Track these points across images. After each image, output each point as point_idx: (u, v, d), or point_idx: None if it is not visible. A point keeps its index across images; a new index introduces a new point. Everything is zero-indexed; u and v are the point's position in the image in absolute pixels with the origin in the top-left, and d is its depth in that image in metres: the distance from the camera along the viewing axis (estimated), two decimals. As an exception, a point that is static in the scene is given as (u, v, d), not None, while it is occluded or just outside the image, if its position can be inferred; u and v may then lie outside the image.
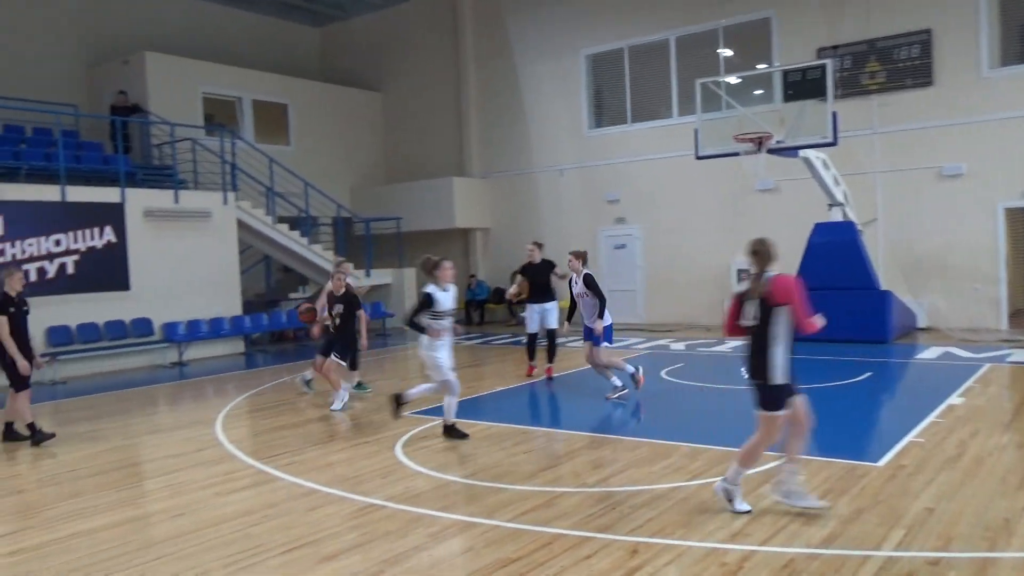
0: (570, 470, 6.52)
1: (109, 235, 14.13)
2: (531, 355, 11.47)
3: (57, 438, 8.41)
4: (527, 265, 11.42)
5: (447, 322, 7.59)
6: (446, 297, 7.58)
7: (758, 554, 4.58)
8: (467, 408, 9.26)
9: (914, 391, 10.14)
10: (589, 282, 9.36)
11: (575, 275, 9.51)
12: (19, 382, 8.18)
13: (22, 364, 8.08)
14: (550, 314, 11.31)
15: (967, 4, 14.60)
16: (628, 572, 4.40)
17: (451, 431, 7.70)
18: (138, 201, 14.63)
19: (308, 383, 10.56)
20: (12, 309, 8.10)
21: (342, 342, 9.65)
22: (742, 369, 5.38)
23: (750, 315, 5.13)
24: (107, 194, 14.28)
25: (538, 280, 11.24)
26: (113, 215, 14.22)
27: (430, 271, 7.62)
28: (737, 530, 4.96)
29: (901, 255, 14.98)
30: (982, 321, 14.35)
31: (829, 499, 5.42)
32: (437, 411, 9.10)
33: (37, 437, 8.23)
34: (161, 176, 16.22)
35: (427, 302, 7.46)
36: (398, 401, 7.81)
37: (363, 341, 9.81)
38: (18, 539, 5.39)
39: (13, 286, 8.18)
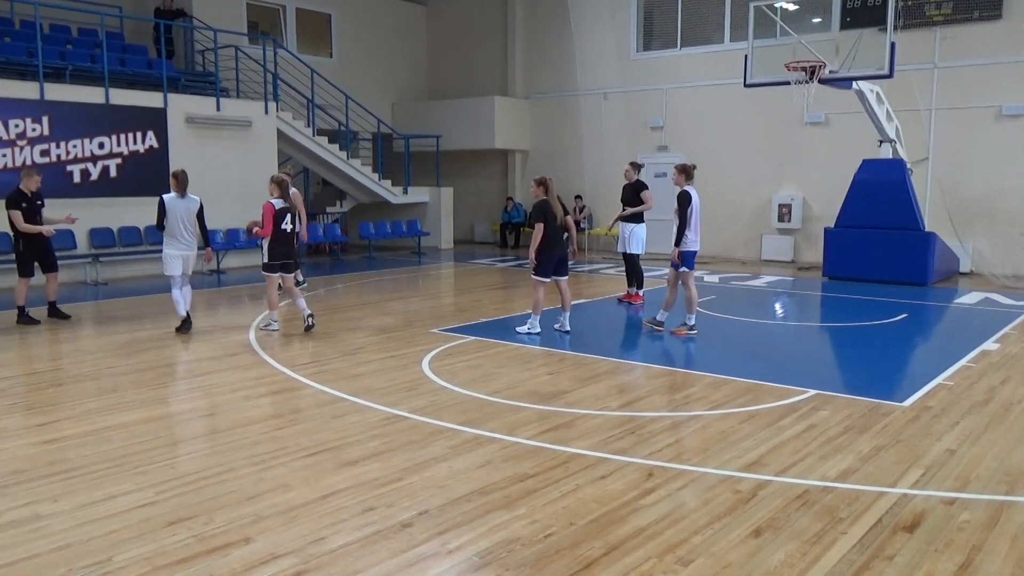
0: (592, 394, 6.57)
1: (151, 140, 14.24)
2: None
3: (98, 337, 8.78)
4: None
5: None
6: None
7: (772, 484, 4.60)
8: (497, 329, 9.35)
9: (949, 335, 9.97)
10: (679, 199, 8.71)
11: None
12: (24, 270, 9.44)
13: (46, 229, 9.41)
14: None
15: (1047, -69, 13.74)
16: (642, 493, 4.46)
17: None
18: (180, 107, 14.69)
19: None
20: (25, 204, 9.25)
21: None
22: None
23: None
24: (150, 98, 14.34)
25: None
26: (155, 120, 14.31)
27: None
28: (754, 460, 4.98)
29: (949, 196, 14.54)
30: (1028, 269, 13.99)
31: (850, 435, 5.42)
32: (466, 330, 9.24)
33: (23, 319, 9.42)
34: (203, 83, 16.20)
35: None
36: None
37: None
38: (56, 428, 5.61)
39: (29, 185, 9.34)
